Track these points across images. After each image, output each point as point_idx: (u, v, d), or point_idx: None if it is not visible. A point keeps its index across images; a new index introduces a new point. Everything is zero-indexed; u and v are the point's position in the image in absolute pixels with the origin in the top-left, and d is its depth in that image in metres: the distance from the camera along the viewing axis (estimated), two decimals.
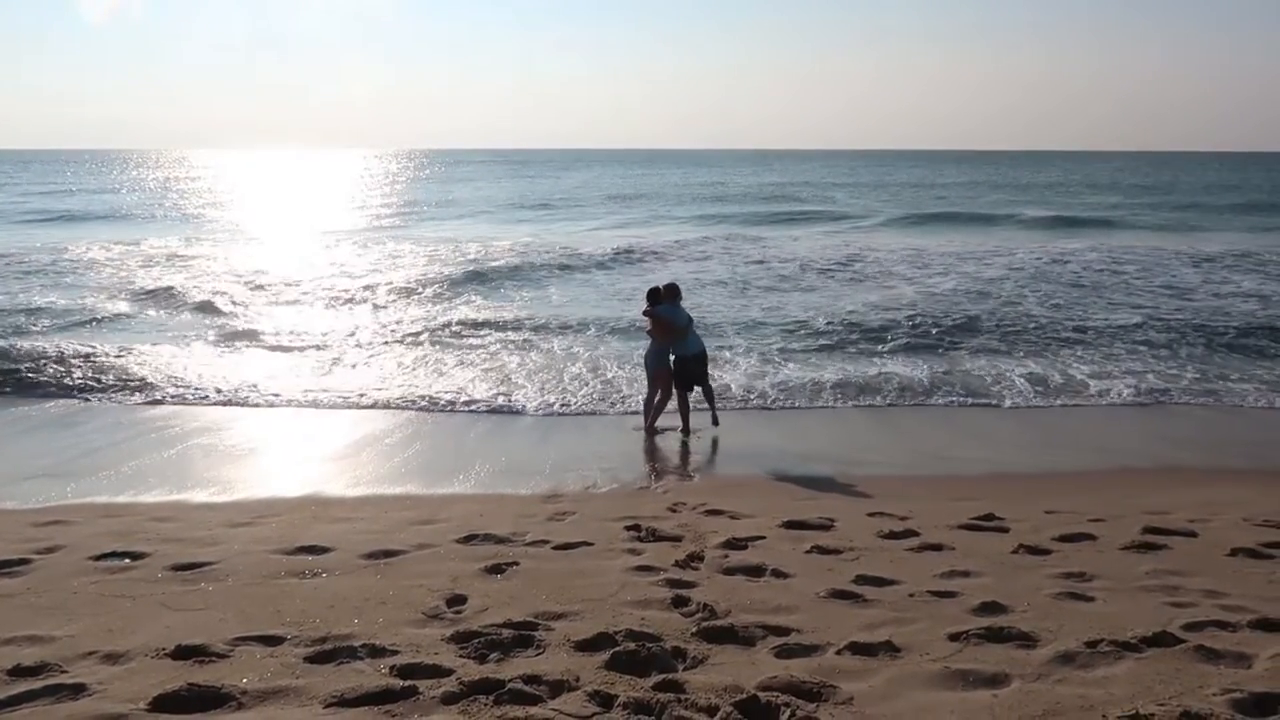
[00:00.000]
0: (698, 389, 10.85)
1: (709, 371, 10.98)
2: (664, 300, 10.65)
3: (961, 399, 12.11)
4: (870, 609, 5.18)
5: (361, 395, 12.20)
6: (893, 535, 6.71)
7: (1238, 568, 6.02)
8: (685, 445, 10.36)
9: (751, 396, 12.20)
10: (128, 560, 6.13)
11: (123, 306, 19.03)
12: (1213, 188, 66.23)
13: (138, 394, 12.22)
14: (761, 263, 26.03)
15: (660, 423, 10.75)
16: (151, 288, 21.21)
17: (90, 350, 14.10)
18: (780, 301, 19.67)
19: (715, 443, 10.43)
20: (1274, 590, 5.53)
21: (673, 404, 10.74)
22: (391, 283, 22.17)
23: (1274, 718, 3.85)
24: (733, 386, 12.47)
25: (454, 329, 16.64)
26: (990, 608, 5.13)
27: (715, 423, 10.68)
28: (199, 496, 8.40)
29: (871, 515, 7.32)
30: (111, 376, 12.90)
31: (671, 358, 10.62)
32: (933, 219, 41.30)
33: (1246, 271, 23.61)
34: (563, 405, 11.79)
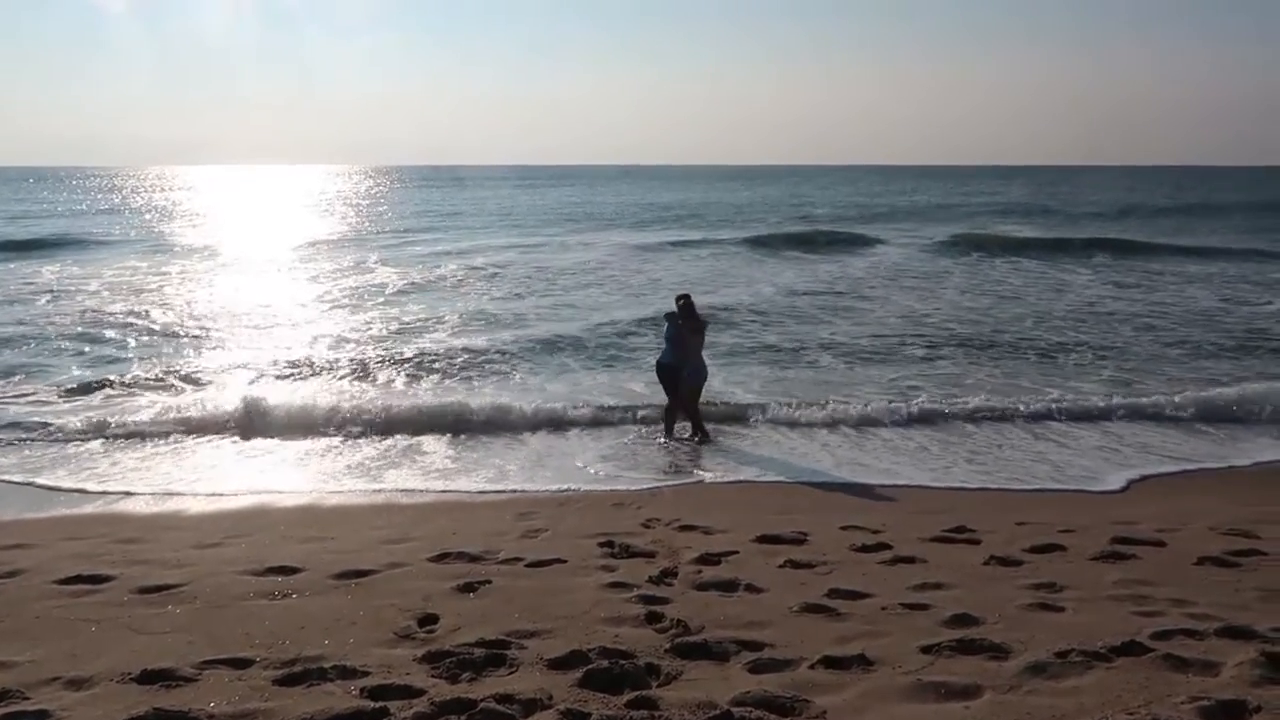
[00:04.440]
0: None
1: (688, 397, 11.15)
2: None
3: None
4: (843, 622, 5.19)
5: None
6: (865, 549, 6.73)
7: (1205, 576, 6.09)
8: (662, 460, 10.37)
9: None
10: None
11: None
12: None
13: None
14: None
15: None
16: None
17: None
18: None
19: (691, 457, 10.44)
20: (1240, 598, 5.60)
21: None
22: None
23: None
24: None
25: None
26: (962, 619, 5.16)
27: (695, 438, 11.00)
28: (165, 517, 8.29)
29: (844, 529, 7.35)
30: None
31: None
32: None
33: None
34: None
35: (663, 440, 10.99)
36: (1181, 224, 47.07)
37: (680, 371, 10.93)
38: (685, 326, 10.91)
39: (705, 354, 11.22)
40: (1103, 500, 8.81)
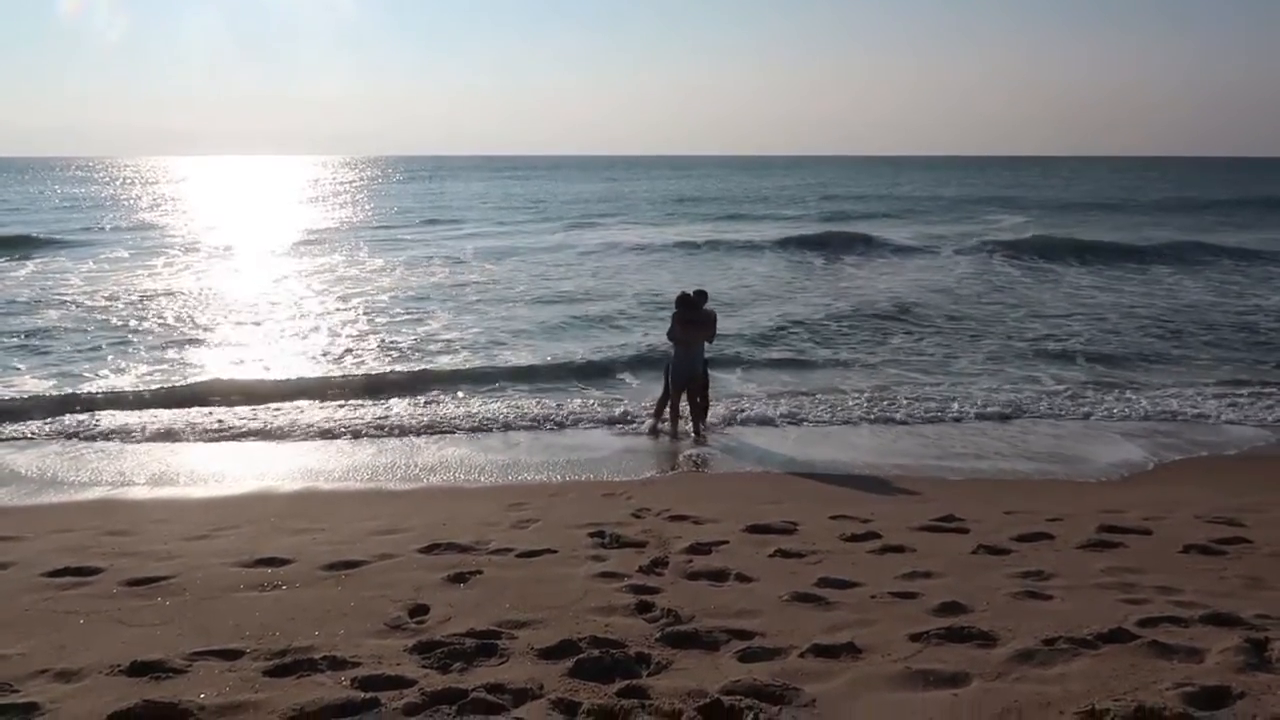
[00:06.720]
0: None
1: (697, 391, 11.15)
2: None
3: None
4: (832, 611, 5.21)
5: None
6: (854, 538, 6.76)
7: (1190, 564, 6.14)
8: (653, 451, 10.41)
9: None
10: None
11: None
12: None
13: None
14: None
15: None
16: None
17: None
18: None
19: (683, 448, 10.48)
20: (1225, 586, 5.64)
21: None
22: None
23: (1225, 710, 3.93)
24: None
25: None
26: (950, 608, 5.18)
27: (692, 429, 11.04)
28: (155, 510, 8.26)
29: (833, 518, 7.37)
30: None
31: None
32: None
33: None
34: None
35: (649, 423, 11.15)
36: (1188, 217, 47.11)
37: (681, 368, 10.96)
38: (680, 317, 10.90)
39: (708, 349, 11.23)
40: (1090, 489, 8.87)
